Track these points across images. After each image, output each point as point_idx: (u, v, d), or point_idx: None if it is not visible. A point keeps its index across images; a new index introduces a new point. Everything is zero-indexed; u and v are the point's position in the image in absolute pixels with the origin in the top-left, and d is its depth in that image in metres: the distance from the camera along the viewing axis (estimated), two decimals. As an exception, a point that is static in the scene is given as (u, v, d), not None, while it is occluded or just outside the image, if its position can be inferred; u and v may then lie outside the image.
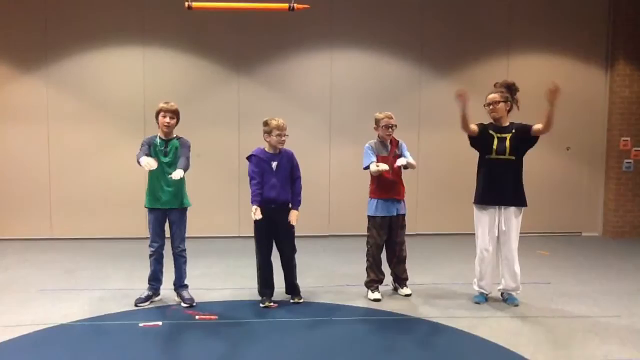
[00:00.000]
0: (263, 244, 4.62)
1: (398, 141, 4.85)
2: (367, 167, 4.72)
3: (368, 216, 4.83)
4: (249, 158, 4.61)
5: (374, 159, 4.69)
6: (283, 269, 4.71)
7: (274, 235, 4.62)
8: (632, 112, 7.80)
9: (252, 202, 4.48)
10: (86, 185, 7.42)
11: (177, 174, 4.27)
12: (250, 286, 5.03)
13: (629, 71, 7.75)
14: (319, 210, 7.67)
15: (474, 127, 4.53)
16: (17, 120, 7.32)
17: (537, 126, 4.44)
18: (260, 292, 4.68)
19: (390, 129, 4.74)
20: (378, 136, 4.82)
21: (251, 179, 4.56)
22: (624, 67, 7.76)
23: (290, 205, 4.62)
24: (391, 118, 4.75)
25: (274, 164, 4.55)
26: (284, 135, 4.55)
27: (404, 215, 4.87)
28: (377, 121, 4.78)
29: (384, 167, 4.58)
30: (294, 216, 4.60)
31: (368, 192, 4.87)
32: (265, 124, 4.57)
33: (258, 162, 4.55)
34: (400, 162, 4.65)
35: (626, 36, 7.73)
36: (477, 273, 4.72)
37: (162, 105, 4.49)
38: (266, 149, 4.62)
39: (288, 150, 4.68)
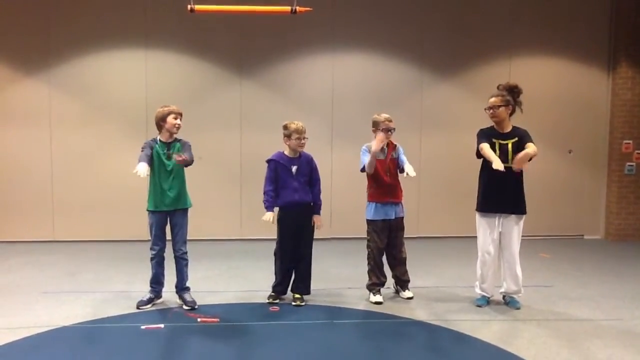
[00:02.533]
0: (287, 245, 4.67)
1: (395, 145, 4.83)
2: (364, 170, 4.74)
3: (367, 220, 4.83)
4: (267, 162, 4.67)
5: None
6: (299, 268, 4.72)
7: (297, 236, 4.66)
8: (634, 115, 7.80)
9: (266, 207, 4.56)
10: (88, 187, 7.44)
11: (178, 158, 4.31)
12: (252, 288, 5.04)
13: (631, 74, 7.75)
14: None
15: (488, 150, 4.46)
16: (20, 123, 7.35)
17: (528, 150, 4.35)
18: (274, 288, 4.76)
19: (389, 132, 4.73)
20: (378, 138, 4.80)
21: (265, 184, 4.64)
22: (626, 70, 7.75)
23: (312, 204, 4.70)
24: (390, 121, 4.72)
25: (294, 168, 4.61)
26: (304, 139, 4.61)
27: (402, 217, 4.87)
28: (375, 124, 4.76)
29: (375, 145, 4.55)
30: (318, 220, 4.70)
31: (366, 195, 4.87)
32: (285, 127, 4.63)
33: (276, 167, 4.61)
34: (407, 169, 4.65)
35: (628, 39, 7.73)
36: (478, 276, 4.72)
37: (172, 107, 4.49)
38: (286, 153, 4.66)
39: (307, 154, 4.74)
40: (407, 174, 4.65)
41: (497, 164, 4.21)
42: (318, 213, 4.73)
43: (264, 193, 4.62)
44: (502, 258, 4.64)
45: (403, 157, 4.81)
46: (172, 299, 4.71)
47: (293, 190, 4.58)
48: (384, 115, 4.74)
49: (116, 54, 7.45)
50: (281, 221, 4.66)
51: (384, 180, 4.70)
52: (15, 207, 7.40)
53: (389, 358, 3.60)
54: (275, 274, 4.78)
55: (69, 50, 7.37)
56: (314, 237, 4.79)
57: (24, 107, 7.35)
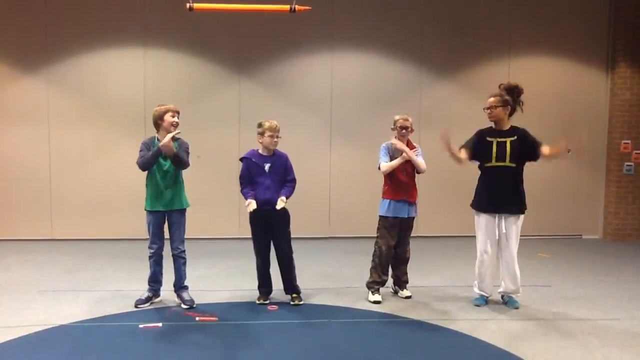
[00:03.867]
0: (261, 245, 4.66)
1: (416, 146, 4.82)
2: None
3: (380, 216, 4.83)
4: (241, 160, 4.66)
5: (387, 159, 4.72)
6: (280, 269, 4.73)
7: (271, 235, 4.65)
8: (633, 115, 7.80)
9: (246, 198, 4.54)
10: (87, 186, 7.43)
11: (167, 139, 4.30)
12: (250, 287, 5.03)
13: (629, 73, 7.75)
14: (319, 211, 7.67)
15: (463, 154, 4.54)
16: (18, 121, 7.33)
17: (545, 150, 4.41)
18: (259, 290, 4.75)
19: (404, 130, 4.73)
20: (395, 137, 4.81)
21: (240, 183, 4.63)
22: (624, 69, 7.76)
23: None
24: (407, 120, 4.74)
25: (267, 166, 4.57)
26: (277, 137, 4.57)
27: (413, 218, 4.87)
28: (394, 122, 4.79)
29: (401, 147, 4.59)
30: (280, 200, 4.49)
31: (373, 194, 4.86)
32: (259, 125, 4.61)
33: (249, 165, 4.59)
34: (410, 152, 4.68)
35: (627, 38, 7.73)
36: (477, 275, 4.72)
37: (169, 105, 4.49)
38: (260, 151, 4.64)
39: (282, 152, 4.70)
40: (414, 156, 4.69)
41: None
42: (283, 195, 4.54)
43: (241, 192, 4.62)
44: (500, 258, 4.64)
45: (421, 158, 4.79)
46: (170, 298, 4.70)
47: (264, 189, 4.53)
48: (402, 115, 4.78)
49: (115, 53, 7.44)
50: (252, 220, 4.63)
51: (400, 179, 4.71)
52: (14, 206, 7.39)
53: (387, 357, 3.60)
54: (257, 274, 4.76)
55: (67, 48, 7.35)
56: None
57: (22, 106, 7.34)
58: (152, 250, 4.55)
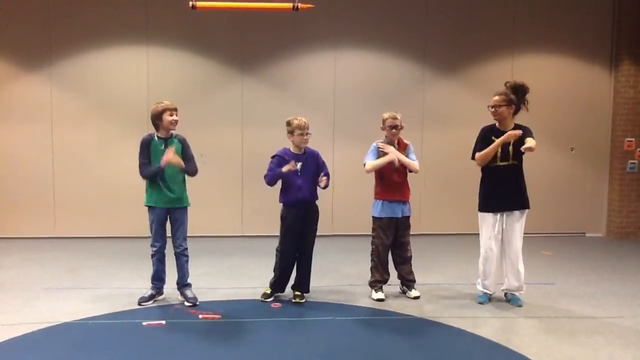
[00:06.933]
0: (289, 244, 4.63)
1: (407, 144, 4.79)
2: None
3: (373, 217, 4.80)
4: (272, 157, 4.62)
5: (374, 159, 4.65)
6: (299, 267, 4.72)
7: (299, 234, 4.63)
8: (636, 113, 7.79)
9: (278, 172, 4.48)
10: (90, 184, 7.45)
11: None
12: (254, 285, 5.04)
13: (633, 72, 7.74)
14: (322, 209, 7.62)
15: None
16: (21, 119, 7.35)
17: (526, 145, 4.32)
18: (273, 285, 4.72)
19: (394, 129, 4.69)
20: (385, 137, 4.78)
21: (268, 170, 4.55)
22: (628, 67, 7.74)
23: (316, 203, 4.66)
24: (396, 118, 4.68)
25: (299, 165, 4.55)
26: (306, 134, 4.56)
27: (409, 216, 4.84)
28: (383, 121, 4.74)
29: (389, 156, 4.53)
30: (324, 178, 4.49)
31: (373, 193, 4.85)
32: (288, 123, 4.58)
33: (280, 163, 4.54)
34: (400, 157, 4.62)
35: (631, 37, 7.72)
36: (480, 273, 4.71)
37: (165, 103, 4.48)
38: (291, 149, 4.62)
39: (313, 150, 4.68)
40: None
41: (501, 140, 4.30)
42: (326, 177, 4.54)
43: (268, 175, 4.54)
44: (504, 255, 4.63)
45: (412, 156, 4.75)
46: (173, 296, 4.71)
47: (297, 189, 4.53)
48: (391, 113, 4.71)
49: (118, 51, 7.45)
50: (284, 219, 4.62)
51: (392, 179, 4.67)
52: (17, 204, 7.41)
53: (390, 355, 3.60)
54: (274, 270, 4.75)
55: (70, 46, 7.37)
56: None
57: (26, 104, 7.35)
58: (154, 249, 4.55)
